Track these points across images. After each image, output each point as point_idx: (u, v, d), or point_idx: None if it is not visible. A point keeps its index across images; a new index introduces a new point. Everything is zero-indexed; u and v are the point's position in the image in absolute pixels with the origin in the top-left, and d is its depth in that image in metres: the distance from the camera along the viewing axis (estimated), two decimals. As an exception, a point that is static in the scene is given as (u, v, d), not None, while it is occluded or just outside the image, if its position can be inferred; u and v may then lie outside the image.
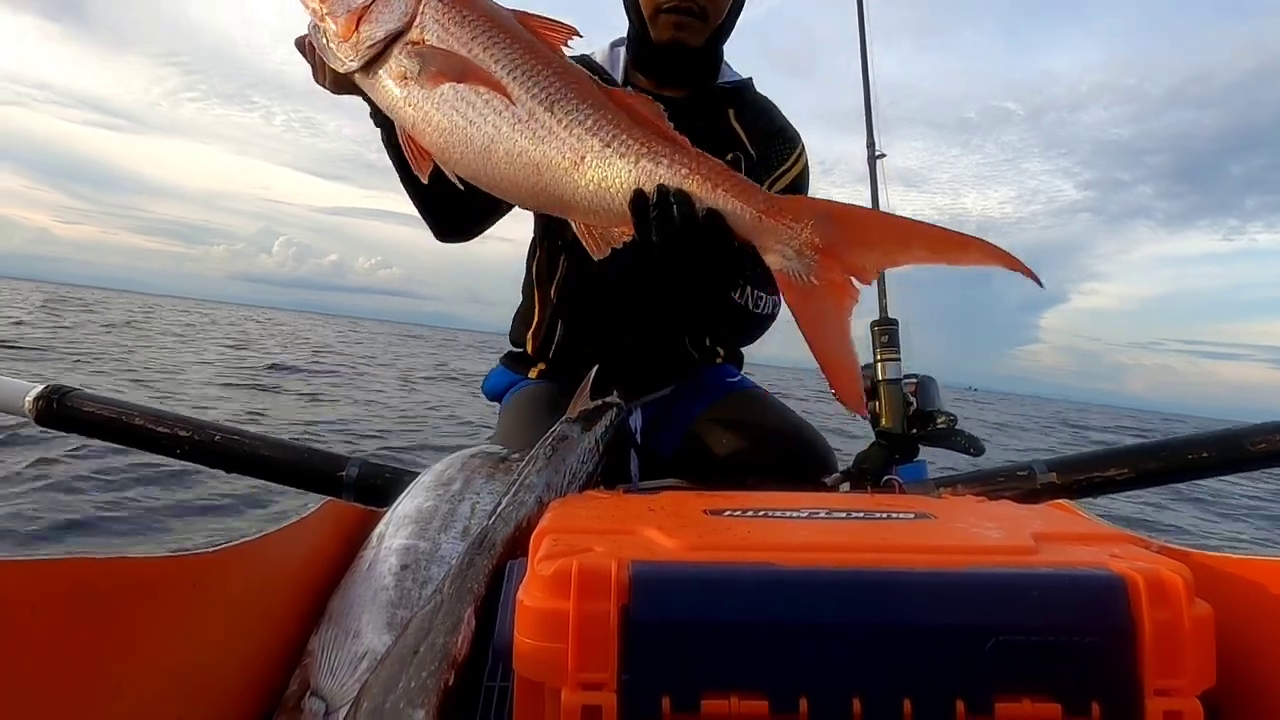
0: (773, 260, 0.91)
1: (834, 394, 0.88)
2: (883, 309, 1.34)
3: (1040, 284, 0.85)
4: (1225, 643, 0.50)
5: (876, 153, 1.57)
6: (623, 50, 1.38)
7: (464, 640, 0.59)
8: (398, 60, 0.96)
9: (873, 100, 1.57)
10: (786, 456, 1.29)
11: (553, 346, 1.41)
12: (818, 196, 0.92)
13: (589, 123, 0.94)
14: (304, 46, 1.03)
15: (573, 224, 0.98)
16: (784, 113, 1.42)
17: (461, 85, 0.94)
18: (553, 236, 1.39)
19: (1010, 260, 0.81)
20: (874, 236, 0.88)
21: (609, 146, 0.93)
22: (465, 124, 0.95)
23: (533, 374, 1.45)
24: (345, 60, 0.97)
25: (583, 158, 0.93)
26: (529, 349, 1.46)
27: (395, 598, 0.75)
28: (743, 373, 1.53)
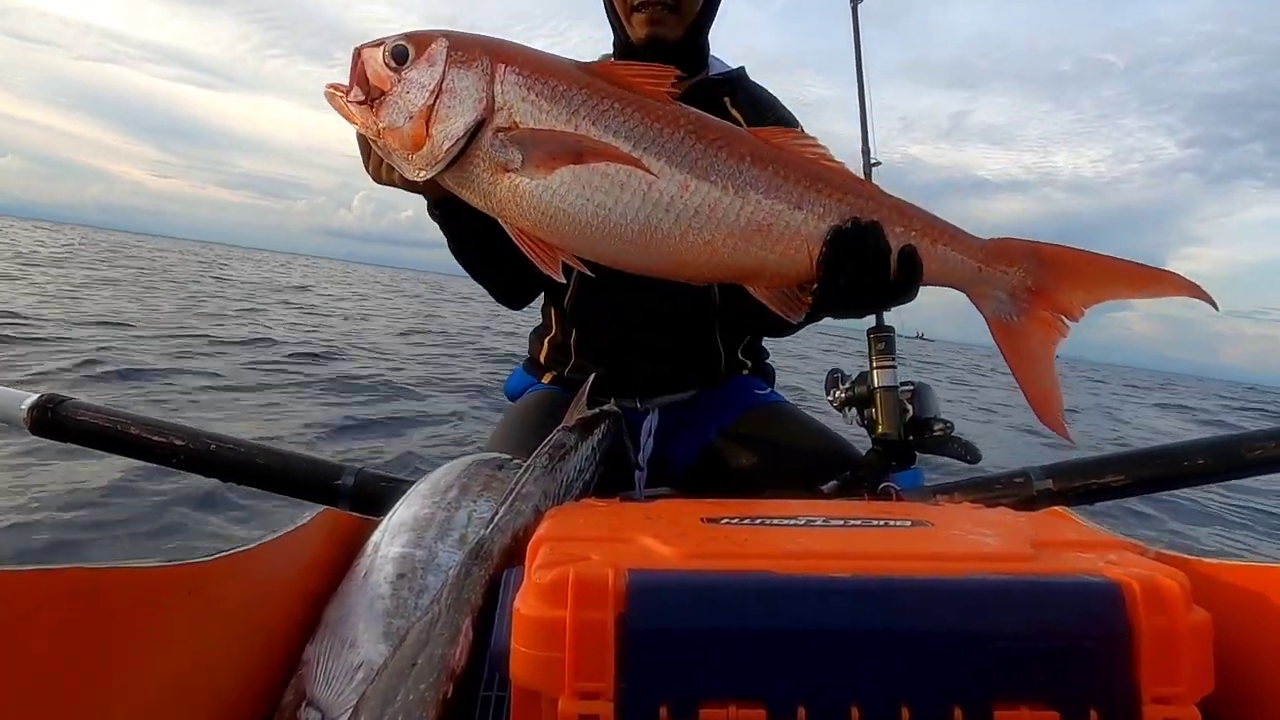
0: (986, 305, 0.92)
1: (1040, 419, 0.91)
2: (879, 317, 1.34)
3: (1216, 307, 0.90)
4: (1223, 649, 0.50)
5: (871, 160, 1.57)
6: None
7: (462, 652, 0.59)
8: (491, 153, 0.83)
9: (868, 109, 1.57)
10: (821, 467, 1.25)
11: (569, 355, 1.40)
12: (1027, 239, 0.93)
13: (763, 183, 0.85)
14: (366, 144, 0.92)
15: (752, 290, 0.90)
16: (801, 91, 1.40)
17: (584, 167, 0.82)
18: None
19: (1196, 290, 0.88)
20: (1082, 276, 0.91)
21: (799, 209, 0.86)
22: (604, 212, 0.83)
23: (546, 379, 1.45)
24: (423, 169, 0.85)
25: (769, 225, 0.85)
26: (542, 357, 1.46)
27: (391, 607, 0.75)
28: (772, 388, 1.47)
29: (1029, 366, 0.91)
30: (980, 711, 0.47)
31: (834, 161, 0.90)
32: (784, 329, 1.30)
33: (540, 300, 1.48)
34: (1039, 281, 0.91)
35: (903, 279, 0.88)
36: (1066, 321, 0.92)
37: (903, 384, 1.29)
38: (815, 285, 0.88)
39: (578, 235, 0.85)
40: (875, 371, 1.29)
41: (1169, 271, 0.89)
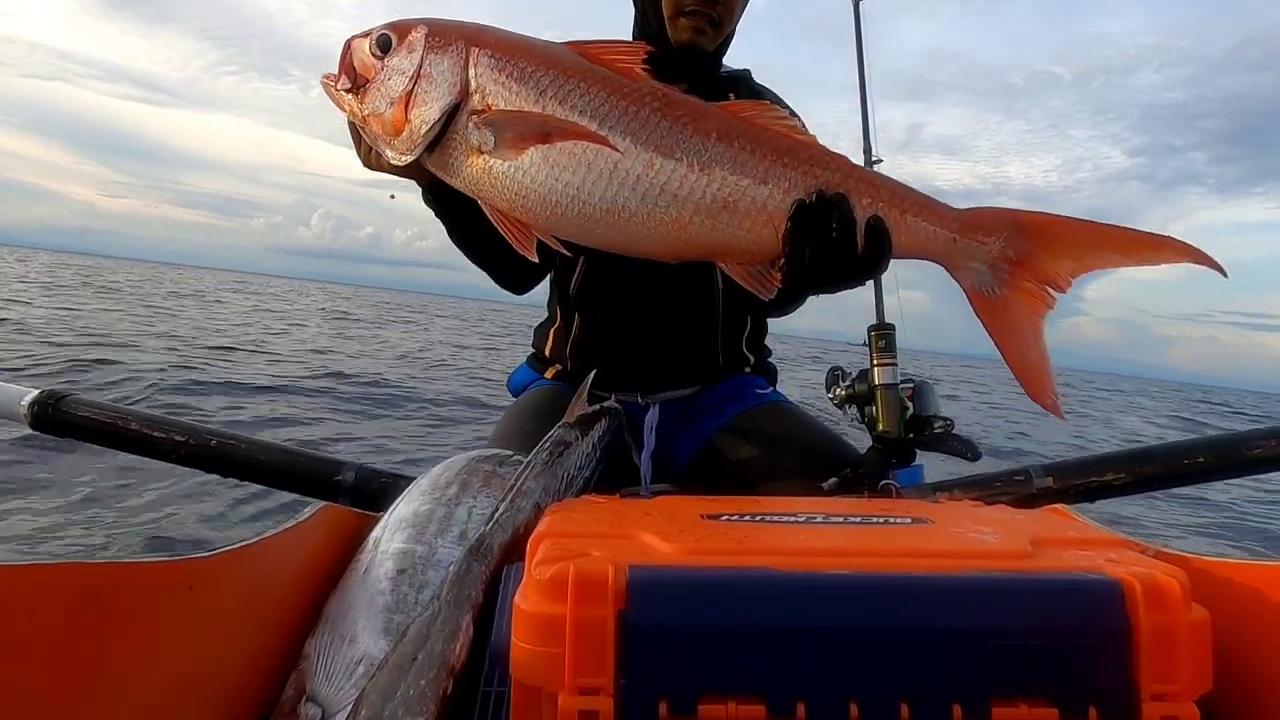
0: (964, 277, 0.89)
1: (1030, 397, 0.87)
2: (879, 314, 1.34)
3: (1225, 274, 0.83)
4: (1222, 647, 0.50)
5: (873, 158, 1.57)
6: None
7: (462, 648, 0.59)
8: (466, 135, 0.85)
9: (869, 107, 1.57)
10: (821, 466, 1.24)
11: (572, 347, 1.40)
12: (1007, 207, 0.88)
13: (729, 159, 0.85)
14: (357, 131, 0.94)
15: (724, 267, 0.90)
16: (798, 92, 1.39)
17: (552, 146, 0.83)
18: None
19: (1200, 255, 0.82)
20: (1067, 244, 0.87)
21: (764, 184, 0.85)
22: (572, 190, 0.84)
23: (549, 374, 1.46)
24: (403, 153, 0.87)
25: (734, 201, 0.85)
26: (547, 350, 1.46)
27: (391, 602, 0.75)
28: (774, 387, 1.47)
29: (1014, 341, 0.88)
30: (979, 708, 0.47)
31: (805, 135, 0.88)
32: (777, 307, 1.30)
33: (546, 294, 1.48)
34: (1020, 251, 0.87)
35: (871, 252, 0.85)
36: (1052, 292, 0.87)
37: (903, 381, 1.29)
38: (782, 261, 0.87)
39: (549, 215, 0.86)
40: (875, 369, 1.29)
41: (1167, 237, 0.83)
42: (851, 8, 1.61)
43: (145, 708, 0.60)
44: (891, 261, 0.89)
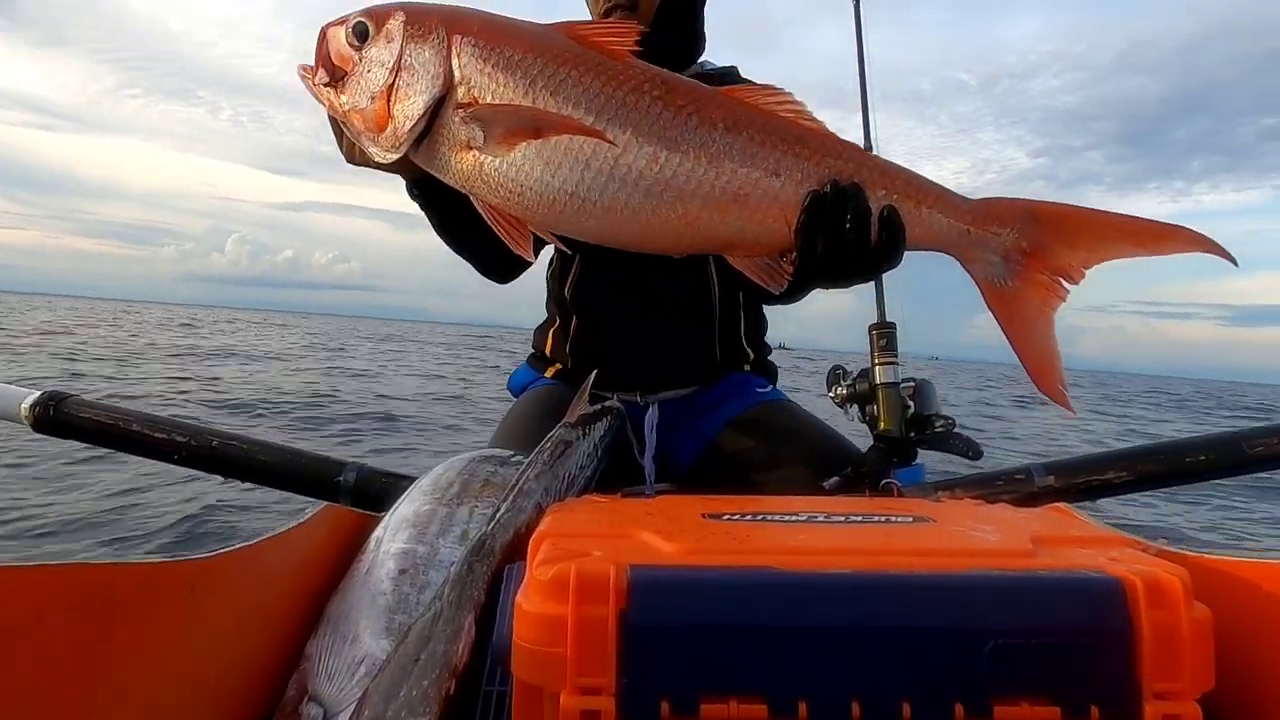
0: (976, 269, 0.88)
1: (1038, 389, 0.87)
2: (881, 313, 1.34)
3: (1235, 263, 0.84)
4: (1224, 645, 0.50)
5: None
6: None
7: (464, 648, 0.59)
8: (454, 130, 0.81)
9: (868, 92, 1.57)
10: (822, 465, 1.24)
11: (568, 344, 1.40)
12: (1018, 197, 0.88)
13: (738, 151, 0.81)
14: (338, 125, 0.89)
15: (731, 260, 0.87)
16: None
17: (544, 142, 0.78)
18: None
19: (1211, 245, 0.82)
20: (1081, 235, 0.86)
21: (777, 176, 0.82)
22: (570, 187, 0.80)
23: (549, 373, 1.46)
24: (389, 149, 0.83)
25: (745, 194, 0.81)
26: (547, 349, 1.47)
27: (393, 602, 0.75)
28: (774, 386, 1.47)
29: (1025, 333, 0.87)
30: (981, 707, 0.47)
31: (813, 120, 0.86)
32: (782, 298, 1.26)
33: (544, 294, 1.49)
34: (1034, 242, 0.86)
35: (885, 244, 0.84)
36: (1065, 284, 0.87)
37: (904, 380, 1.29)
38: (794, 254, 0.85)
39: (546, 213, 0.82)
40: (877, 368, 1.29)
41: (1180, 227, 0.83)
42: (852, 3, 1.61)
43: (146, 709, 0.60)
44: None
